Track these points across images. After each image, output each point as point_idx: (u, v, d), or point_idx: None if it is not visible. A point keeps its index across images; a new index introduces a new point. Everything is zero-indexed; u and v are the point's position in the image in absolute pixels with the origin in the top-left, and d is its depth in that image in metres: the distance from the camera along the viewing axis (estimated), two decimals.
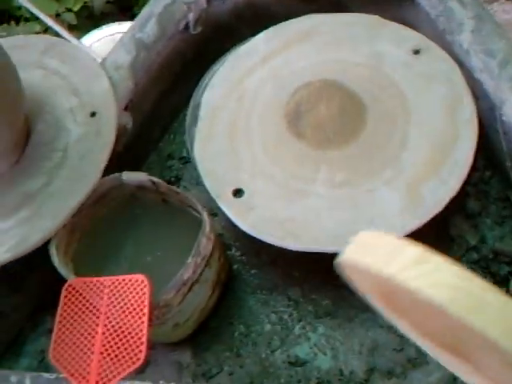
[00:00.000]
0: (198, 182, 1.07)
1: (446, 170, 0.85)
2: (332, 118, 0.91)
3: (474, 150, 0.86)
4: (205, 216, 0.85)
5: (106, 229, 0.95)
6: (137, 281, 0.79)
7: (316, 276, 0.98)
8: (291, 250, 0.96)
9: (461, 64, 0.93)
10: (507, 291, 0.91)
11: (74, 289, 0.81)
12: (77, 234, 0.92)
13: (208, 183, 0.91)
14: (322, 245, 0.83)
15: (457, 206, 0.98)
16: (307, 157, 0.90)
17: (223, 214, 0.91)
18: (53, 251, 0.85)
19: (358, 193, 0.86)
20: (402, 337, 0.90)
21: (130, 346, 0.75)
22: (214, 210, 1.04)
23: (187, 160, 1.14)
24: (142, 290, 0.79)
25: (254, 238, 0.87)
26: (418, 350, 0.89)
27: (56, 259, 0.84)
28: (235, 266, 1.02)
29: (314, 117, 0.92)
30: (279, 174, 0.90)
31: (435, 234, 0.96)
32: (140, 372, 0.92)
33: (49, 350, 0.77)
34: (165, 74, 1.11)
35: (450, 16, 0.95)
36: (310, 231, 0.84)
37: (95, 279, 0.81)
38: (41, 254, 0.86)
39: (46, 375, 0.79)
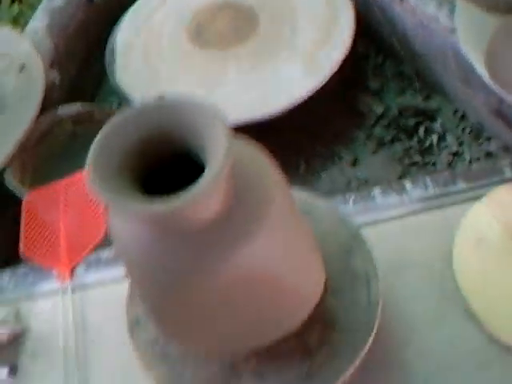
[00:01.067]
0: None
1: (334, 40, 0.99)
2: (229, 25, 1.06)
3: (353, 21, 1.01)
4: None
5: (53, 166, 1.04)
6: None
7: None
8: None
9: None
10: (419, 140, 1.03)
11: (32, 200, 0.89)
12: (29, 171, 1.01)
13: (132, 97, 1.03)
14: (242, 116, 0.94)
15: (361, 86, 1.12)
16: (217, 58, 1.03)
17: None
18: (9, 177, 0.95)
19: (265, 73, 0.99)
20: None
21: (92, 226, 0.84)
22: None
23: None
24: None
25: None
26: None
27: (12, 182, 0.94)
28: None
29: (215, 28, 1.06)
30: (195, 77, 1.02)
31: (347, 112, 1.09)
32: None
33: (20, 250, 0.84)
34: (83, 39, 1.23)
35: None
36: (231, 110, 0.95)
37: (50, 187, 0.90)
38: None
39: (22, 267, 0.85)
